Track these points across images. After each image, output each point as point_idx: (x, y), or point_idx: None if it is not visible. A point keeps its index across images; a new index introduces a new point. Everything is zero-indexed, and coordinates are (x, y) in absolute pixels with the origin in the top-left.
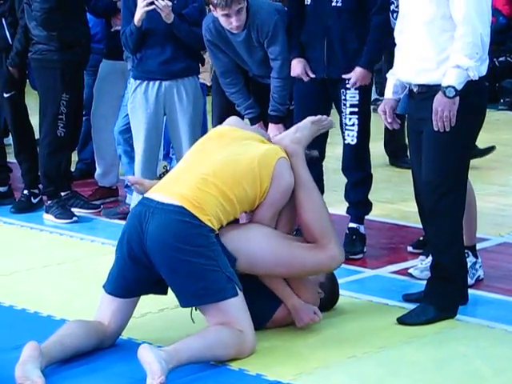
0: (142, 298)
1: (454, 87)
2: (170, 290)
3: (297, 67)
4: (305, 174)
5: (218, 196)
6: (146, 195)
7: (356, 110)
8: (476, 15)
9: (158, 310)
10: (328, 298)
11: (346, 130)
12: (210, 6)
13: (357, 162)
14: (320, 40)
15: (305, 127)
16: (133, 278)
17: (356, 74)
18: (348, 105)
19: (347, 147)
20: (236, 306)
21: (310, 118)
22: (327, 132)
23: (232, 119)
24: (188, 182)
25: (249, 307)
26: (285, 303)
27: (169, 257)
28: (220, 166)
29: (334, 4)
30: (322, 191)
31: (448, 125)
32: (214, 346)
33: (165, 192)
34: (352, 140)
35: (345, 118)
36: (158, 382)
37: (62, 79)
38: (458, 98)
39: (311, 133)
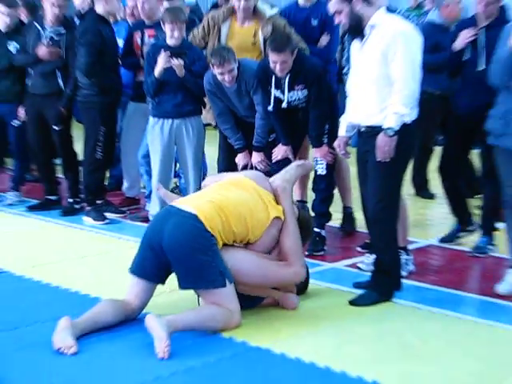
0: None
1: (393, 129)
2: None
3: (282, 150)
4: (289, 207)
5: (224, 222)
6: (171, 204)
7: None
8: (410, 75)
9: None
10: (303, 286)
11: (317, 164)
12: (210, 65)
13: (324, 186)
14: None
15: (291, 169)
16: (150, 265)
17: (320, 154)
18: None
19: (318, 176)
20: (224, 293)
21: (296, 162)
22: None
23: (254, 174)
24: (207, 203)
25: (243, 297)
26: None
27: (178, 249)
28: (234, 206)
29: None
30: None
31: (388, 156)
32: (205, 319)
33: (185, 203)
34: (322, 171)
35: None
36: (165, 345)
37: (101, 116)
38: (396, 137)
39: (297, 174)
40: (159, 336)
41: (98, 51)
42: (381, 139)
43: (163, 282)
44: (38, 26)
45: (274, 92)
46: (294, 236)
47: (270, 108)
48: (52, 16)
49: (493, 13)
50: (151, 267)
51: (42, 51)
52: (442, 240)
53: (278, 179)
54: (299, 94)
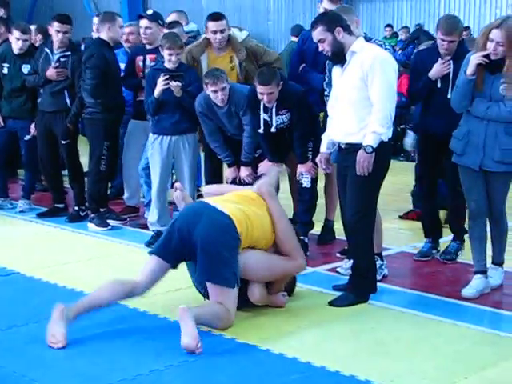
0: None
1: (371, 146)
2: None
3: (267, 166)
4: (278, 207)
5: (248, 229)
6: (202, 199)
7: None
8: (386, 97)
9: (175, 289)
10: (290, 289)
11: (303, 177)
12: (204, 85)
13: (309, 197)
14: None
15: (273, 175)
16: (172, 247)
17: (305, 169)
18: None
19: (303, 188)
20: (232, 294)
21: (275, 168)
22: None
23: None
24: (237, 209)
25: (240, 294)
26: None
27: (209, 240)
28: (256, 218)
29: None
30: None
31: (366, 171)
32: (215, 317)
33: (217, 203)
34: (307, 184)
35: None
36: (198, 344)
37: (104, 132)
38: (374, 154)
39: (277, 177)
40: (192, 335)
41: (102, 73)
42: (360, 155)
43: (176, 267)
44: (47, 50)
45: (263, 116)
46: (289, 231)
47: (261, 131)
48: (58, 41)
49: (453, 50)
50: (173, 250)
51: (50, 72)
52: (419, 256)
53: (263, 186)
54: (284, 118)
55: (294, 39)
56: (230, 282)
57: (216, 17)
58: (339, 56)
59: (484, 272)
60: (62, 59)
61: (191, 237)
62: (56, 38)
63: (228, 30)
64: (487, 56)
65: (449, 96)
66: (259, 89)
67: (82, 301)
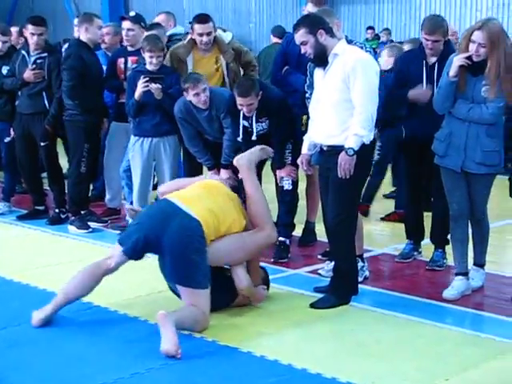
0: (136, 283)
1: (353, 149)
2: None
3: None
4: (254, 180)
5: (216, 227)
6: (168, 197)
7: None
8: (368, 100)
9: (157, 291)
10: (265, 283)
11: (283, 181)
12: (184, 91)
13: (289, 199)
14: None
15: (256, 151)
16: (139, 249)
17: (284, 173)
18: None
19: (284, 190)
20: (204, 295)
21: (259, 146)
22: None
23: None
24: (207, 210)
25: (215, 298)
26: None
27: (178, 246)
28: (224, 214)
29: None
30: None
31: (348, 173)
32: (194, 320)
33: (187, 204)
34: (288, 187)
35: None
36: (178, 349)
37: (84, 134)
38: (355, 156)
39: (260, 155)
40: (172, 340)
41: (79, 75)
42: (342, 158)
43: (140, 259)
44: (24, 52)
45: (243, 122)
46: (261, 203)
47: (239, 139)
48: (33, 43)
49: (438, 51)
50: (139, 250)
51: (27, 74)
52: (400, 258)
53: (242, 158)
54: (263, 125)
55: (277, 40)
56: (202, 283)
57: (203, 19)
58: (321, 58)
59: (465, 273)
60: (38, 61)
61: (160, 241)
62: (31, 40)
63: (214, 32)
64: (469, 58)
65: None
66: (239, 100)
67: (56, 301)
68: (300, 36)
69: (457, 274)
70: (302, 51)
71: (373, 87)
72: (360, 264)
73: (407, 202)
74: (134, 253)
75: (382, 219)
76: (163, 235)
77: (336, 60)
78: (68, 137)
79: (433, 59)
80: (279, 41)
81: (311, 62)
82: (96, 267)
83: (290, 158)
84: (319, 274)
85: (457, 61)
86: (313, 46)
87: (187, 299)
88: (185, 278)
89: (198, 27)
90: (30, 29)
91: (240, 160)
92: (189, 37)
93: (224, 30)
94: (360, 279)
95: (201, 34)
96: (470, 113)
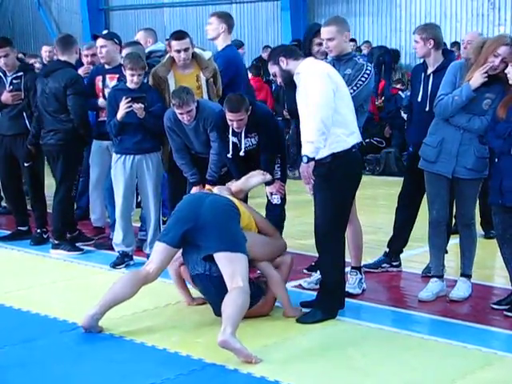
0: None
1: (306, 156)
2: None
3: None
4: (246, 206)
5: (243, 212)
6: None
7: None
8: (315, 105)
9: (131, 313)
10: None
11: (273, 195)
12: (171, 105)
13: (278, 212)
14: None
15: (252, 176)
16: (180, 231)
17: (274, 189)
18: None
19: (273, 205)
20: (244, 261)
21: (257, 171)
22: None
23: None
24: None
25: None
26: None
27: (217, 215)
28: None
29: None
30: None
31: (309, 181)
32: (242, 310)
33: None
34: (278, 201)
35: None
36: (254, 358)
37: (79, 158)
38: (312, 163)
39: (257, 182)
40: (245, 354)
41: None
42: (301, 166)
43: (180, 247)
44: (0, 73)
45: (232, 139)
46: (266, 222)
47: (229, 155)
48: (3, 65)
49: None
50: (180, 234)
51: (5, 97)
52: (368, 267)
53: (236, 185)
54: (252, 140)
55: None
56: (244, 248)
57: (179, 35)
58: (290, 82)
59: (441, 276)
60: (14, 81)
61: (198, 219)
62: (2, 62)
63: (192, 48)
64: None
65: (427, 109)
66: (229, 116)
67: (105, 300)
68: (270, 69)
69: (432, 277)
70: (278, 82)
71: (318, 91)
72: (358, 276)
73: (397, 208)
74: (174, 240)
75: None
76: (200, 214)
77: (298, 78)
78: (59, 162)
79: (429, 70)
80: None
81: (285, 87)
82: (136, 273)
83: (279, 173)
84: (301, 286)
85: (481, 77)
86: (280, 74)
87: (228, 267)
88: (231, 242)
89: (175, 44)
90: None
91: (232, 186)
92: (168, 55)
93: (203, 50)
94: (359, 291)
95: (178, 51)
96: (469, 123)
